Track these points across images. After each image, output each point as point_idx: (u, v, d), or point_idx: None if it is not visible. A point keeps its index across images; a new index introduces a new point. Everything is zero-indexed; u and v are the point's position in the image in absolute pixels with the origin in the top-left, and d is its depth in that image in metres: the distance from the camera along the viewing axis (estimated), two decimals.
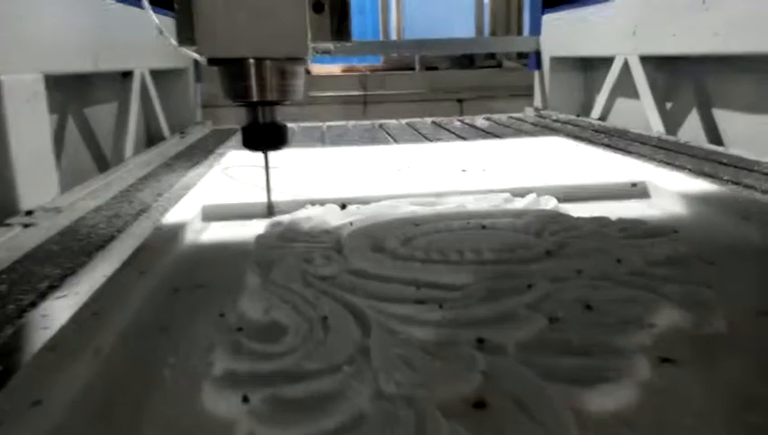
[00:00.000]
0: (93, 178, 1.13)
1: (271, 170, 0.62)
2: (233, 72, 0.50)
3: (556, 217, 0.48)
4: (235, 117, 2.85)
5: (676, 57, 1.51)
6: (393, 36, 3.46)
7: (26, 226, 0.81)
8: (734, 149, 1.19)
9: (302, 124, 1.84)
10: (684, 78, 1.53)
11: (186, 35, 0.50)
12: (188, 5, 0.49)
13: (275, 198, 0.57)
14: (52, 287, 0.54)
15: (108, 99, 1.48)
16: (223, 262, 0.44)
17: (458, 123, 1.73)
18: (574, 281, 0.35)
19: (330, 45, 0.56)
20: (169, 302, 0.37)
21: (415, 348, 0.28)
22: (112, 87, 1.49)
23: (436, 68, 3.26)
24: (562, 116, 1.85)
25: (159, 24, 0.81)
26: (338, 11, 0.50)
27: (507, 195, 0.56)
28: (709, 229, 0.48)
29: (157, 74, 1.71)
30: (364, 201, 0.55)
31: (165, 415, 0.25)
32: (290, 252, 0.42)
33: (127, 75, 1.51)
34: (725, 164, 0.99)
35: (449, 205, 0.54)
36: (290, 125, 1.90)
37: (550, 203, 0.54)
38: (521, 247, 0.41)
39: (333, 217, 0.51)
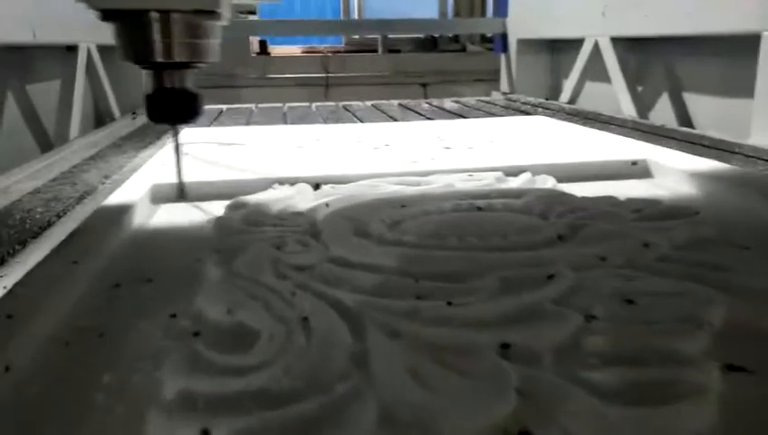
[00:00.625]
0: (33, 160, 1.03)
1: (233, 147, 0.55)
2: (132, 27, 0.42)
3: (559, 197, 0.42)
4: None
5: (647, 39, 1.49)
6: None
7: None
8: (711, 131, 1.16)
9: (260, 105, 1.75)
10: (654, 60, 1.50)
11: None
12: None
13: (239, 176, 0.50)
14: None
15: (52, 75, 1.37)
16: (175, 250, 0.37)
17: (426, 105, 1.67)
18: (600, 270, 0.30)
19: (253, 2, 0.49)
20: (109, 300, 0.30)
21: (425, 357, 0.22)
22: (56, 62, 1.38)
23: (398, 51, 3.19)
24: (532, 99, 1.81)
25: None
26: None
27: (499, 174, 0.50)
28: (731, 210, 0.43)
29: (105, 50, 1.59)
30: (340, 181, 0.49)
31: None
32: (256, 237, 0.35)
33: (71, 50, 1.40)
34: (707, 147, 0.96)
35: (436, 184, 0.48)
36: (248, 106, 1.79)
37: (547, 182, 0.49)
38: (528, 231, 0.36)
39: (306, 199, 0.45)
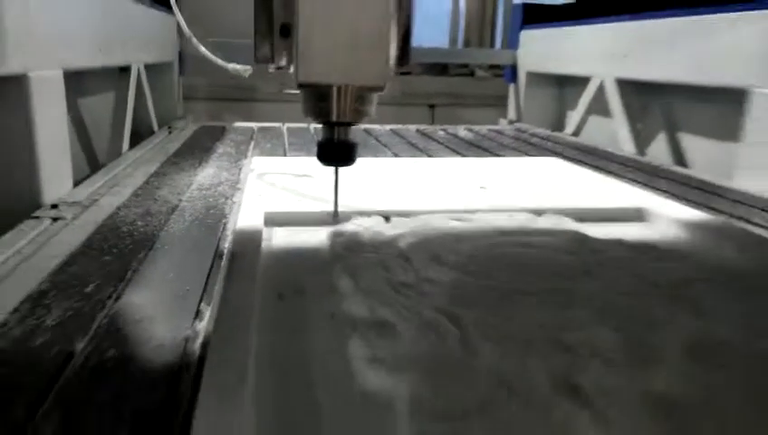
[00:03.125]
0: (98, 173, 1.15)
1: (303, 179, 0.67)
2: (317, 94, 0.55)
3: (584, 239, 0.55)
4: (209, 110, 2.83)
5: (650, 83, 1.62)
6: None
7: (55, 219, 0.84)
8: (701, 172, 1.30)
9: (288, 125, 1.88)
10: (655, 102, 1.64)
11: (264, 55, 0.56)
12: (270, 29, 0.54)
13: (323, 207, 0.62)
14: (121, 281, 0.59)
15: (99, 91, 1.49)
16: (306, 267, 0.49)
17: (442, 133, 1.81)
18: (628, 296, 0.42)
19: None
20: (282, 308, 0.41)
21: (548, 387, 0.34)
22: (107, 80, 1.50)
23: (408, 73, 3.33)
24: (540, 131, 1.95)
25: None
26: (405, 35, 0.56)
27: (530, 215, 0.63)
28: (712, 254, 0.56)
29: (148, 68, 1.72)
30: (405, 214, 0.62)
31: None
32: (366, 261, 0.48)
33: (124, 70, 1.52)
34: (698, 188, 1.10)
35: (485, 221, 0.60)
36: (276, 125, 1.92)
37: (567, 223, 0.62)
38: (564, 267, 0.49)
39: (384, 229, 0.57)
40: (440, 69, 3.29)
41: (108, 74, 1.51)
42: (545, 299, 0.41)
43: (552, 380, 0.32)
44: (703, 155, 1.50)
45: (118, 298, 0.55)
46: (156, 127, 1.76)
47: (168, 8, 2.00)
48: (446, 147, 1.53)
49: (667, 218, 0.65)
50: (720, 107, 1.39)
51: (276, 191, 0.71)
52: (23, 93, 0.88)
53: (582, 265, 0.49)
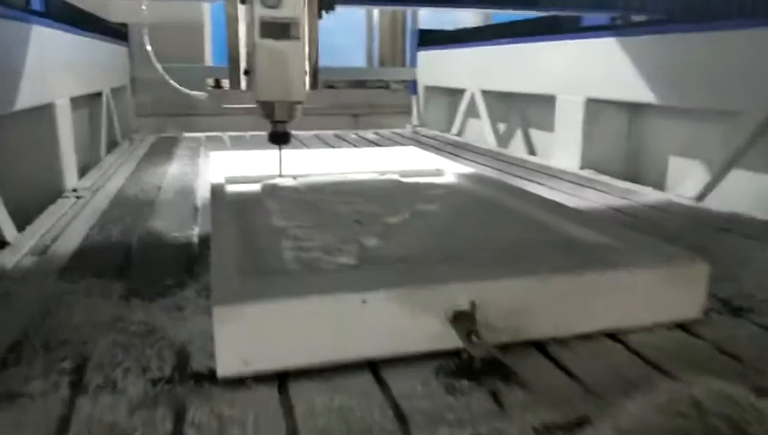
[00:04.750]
0: (92, 171, 1.57)
1: (243, 162, 1.15)
2: (266, 106, 1.00)
3: (397, 182, 1.05)
4: (156, 124, 3.18)
5: (506, 93, 2.15)
6: None
7: (78, 197, 1.27)
8: (541, 157, 1.84)
9: (229, 133, 2.31)
10: (514, 107, 2.17)
11: (235, 83, 1.00)
12: (238, 67, 0.99)
13: (261, 172, 1.08)
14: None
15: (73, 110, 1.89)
16: (251, 198, 0.96)
17: (354, 135, 2.29)
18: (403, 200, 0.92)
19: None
20: (238, 211, 0.89)
21: (351, 221, 0.82)
22: (79, 102, 1.90)
23: (334, 87, 3.81)
24: (430, 132, 2.46)
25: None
26: (314, 72, 1.01)
27: (376, 174, 1.12)
28: (461, 186, 1.07)
29: (112, 91, 2.13)
30: (305, 175, 1.09)
31: None
32: (279, 194, 0.95)
33: (97, 94, 1.94)
34: (512, 163, 1.63)
35: (349, 177, 1.08)
36: (220, 134, 2.39)
37: (395, 177, 1.10)
38: (384, 191, 0.98)
39: (291, 182, 1.05)
40: (361, 83, 3.79)
41: (80, 97, 1.92)
42: (362, 201, 0.90)
43: (349, 218, 0.80)
44: (541, 144, 2.04)
45: (145, 223, 1.01)
46: (120, 138, 2.17)
47: (122, 40, 2.42)
48: (353, 145, 2.01)
49: (454, 173, 1.15)
50: (549, 109, 1.92)
51: (228, 167, 1.17)
52: (51, 115, 1.31)
53: (389, 191, 0.98)
